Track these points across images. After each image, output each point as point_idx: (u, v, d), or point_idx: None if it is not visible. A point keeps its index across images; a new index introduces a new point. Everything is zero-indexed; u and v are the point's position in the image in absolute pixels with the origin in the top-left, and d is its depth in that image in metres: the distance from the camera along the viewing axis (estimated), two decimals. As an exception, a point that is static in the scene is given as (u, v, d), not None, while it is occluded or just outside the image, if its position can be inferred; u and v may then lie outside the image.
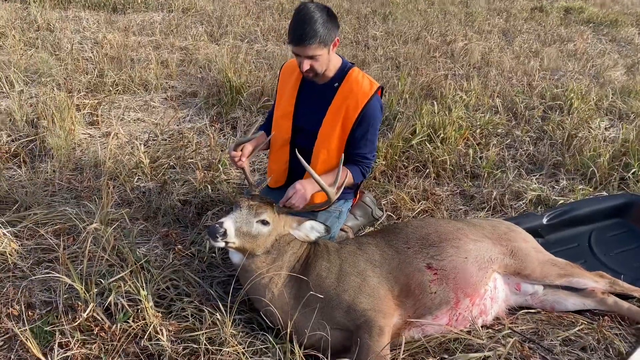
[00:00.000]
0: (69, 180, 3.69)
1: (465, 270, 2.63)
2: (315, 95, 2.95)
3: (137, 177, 3.76)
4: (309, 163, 2.93)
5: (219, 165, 3.92)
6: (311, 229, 2.64)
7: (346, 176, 2.81)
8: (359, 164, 2.96)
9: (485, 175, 4.22)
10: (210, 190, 3.68)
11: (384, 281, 2.56)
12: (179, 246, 3.11)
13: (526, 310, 2.79)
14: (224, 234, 2.43)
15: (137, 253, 2.92)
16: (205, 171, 3.83)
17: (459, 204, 3.94)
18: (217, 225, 2.43)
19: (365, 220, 3.45)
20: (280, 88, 3.12)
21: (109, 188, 3.31)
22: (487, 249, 2.74)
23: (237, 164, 2.82)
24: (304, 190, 2.68)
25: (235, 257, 2.61)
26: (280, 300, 2.53)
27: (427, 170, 4.20)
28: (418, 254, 2.65)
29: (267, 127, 3.17)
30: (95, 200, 3.35)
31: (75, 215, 3.19)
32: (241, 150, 2.83)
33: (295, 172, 3.03)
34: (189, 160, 3.97)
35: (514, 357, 2.40)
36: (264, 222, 2.53)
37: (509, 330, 2.60)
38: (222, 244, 2.47)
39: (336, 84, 2.90)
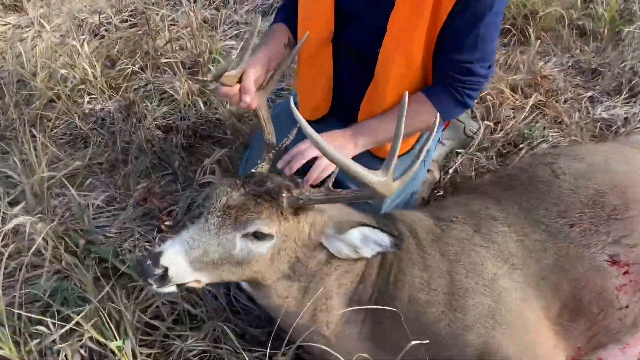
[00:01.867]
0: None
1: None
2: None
3: (88, 97, 2.45)
4: (368, 81, 1.58)
5: (210, 65, 2.54)
6: (364, 241, 1.34)
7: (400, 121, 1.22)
8: (455, 84, 1.53)
9: (606, 33, 2.82)
10: (202, 106, 2.40)
11: (534, 295, 1.42)
12: (167, 221, 1.96)
13: None
14: (163, 278, 1.26)
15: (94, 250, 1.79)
16: (190, 77, 2.47)
17: (577, 86, 2.62)
18: (148, 263, 1.25)
19: (455, 142, 2.18)
20: None
21: (39, 127, 2.05)
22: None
23: (238, 105, 1.45)
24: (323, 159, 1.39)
25: (244, 283, 1.47)
26: (345, 345, 1.44)
27: (519, 30, 2.79)
28: (590, 236, 1.47)
29: (291, 11, 1.69)
30: (29, 148, 2.09)
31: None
32: (239, 82, 1.44)
33: (344, 92, 1.70)
34: (164, 59, 2.58)
35: None
36: (258, 236, 1.29)
37: None
38: (168, 289, 1.30)
39: None
